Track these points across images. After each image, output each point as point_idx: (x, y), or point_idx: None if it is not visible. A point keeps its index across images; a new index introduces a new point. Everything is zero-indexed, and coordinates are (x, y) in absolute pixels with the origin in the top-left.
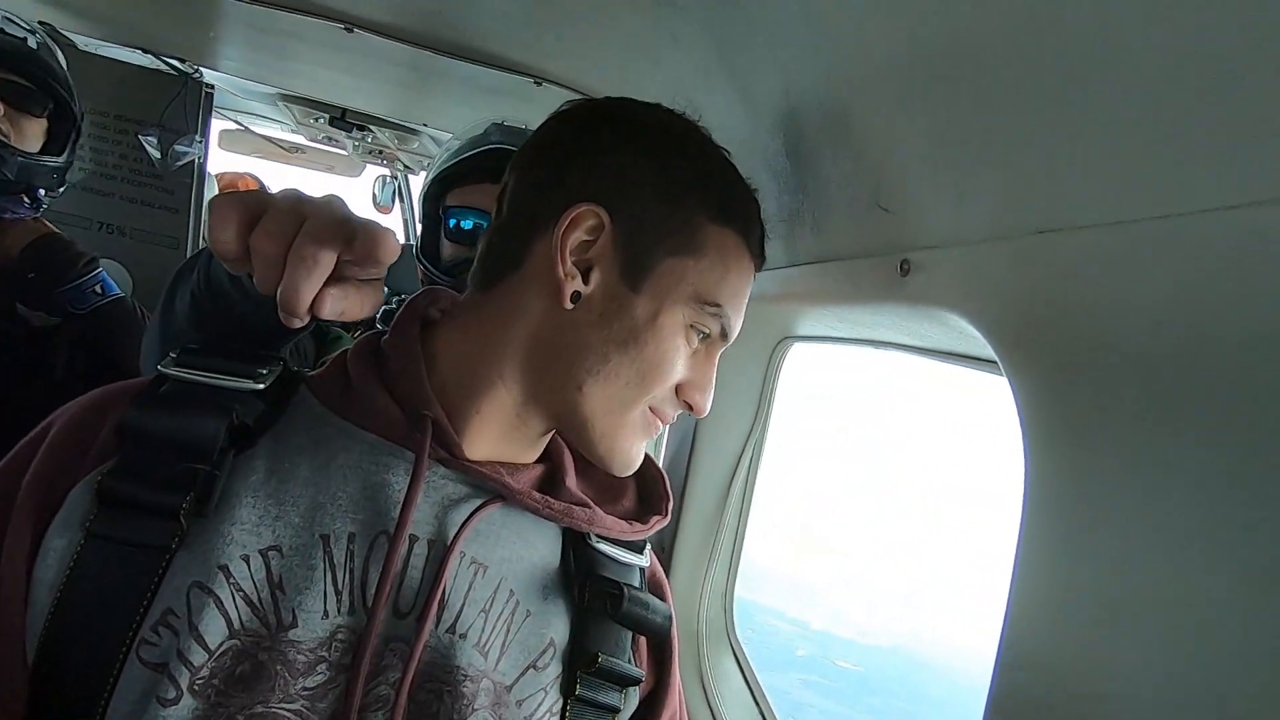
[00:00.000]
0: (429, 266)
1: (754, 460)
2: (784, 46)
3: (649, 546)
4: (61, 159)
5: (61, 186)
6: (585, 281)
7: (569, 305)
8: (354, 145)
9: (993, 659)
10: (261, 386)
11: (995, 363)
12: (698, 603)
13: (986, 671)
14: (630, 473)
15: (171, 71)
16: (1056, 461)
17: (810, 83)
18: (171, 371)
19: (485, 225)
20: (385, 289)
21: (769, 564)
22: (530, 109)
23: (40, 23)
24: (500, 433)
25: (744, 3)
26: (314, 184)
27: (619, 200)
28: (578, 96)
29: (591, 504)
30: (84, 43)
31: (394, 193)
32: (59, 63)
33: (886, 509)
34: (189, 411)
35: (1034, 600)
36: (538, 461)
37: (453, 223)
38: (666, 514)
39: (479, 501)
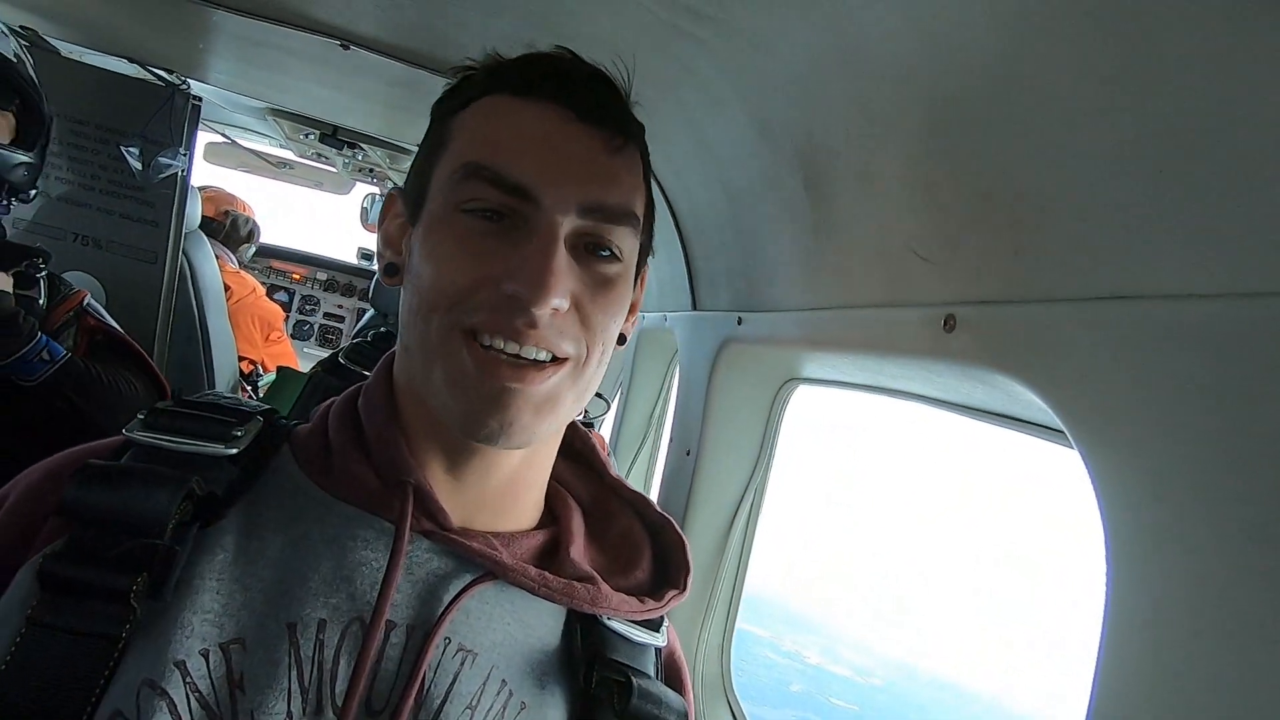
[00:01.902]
0: None
1: (755, 505)
2: (807, 83)
3: (667, 622)
4: (31, 155)
5: (32, 189)
6: (399, 255)
7: (388, 279)
8: (344, 163)
9: (990, 696)
10: (234, 451)
11: (1049, 428)
12: (694, 655)
13: (985, 708)
14: (507, 440)
15: (158, 82)
16: (1141, 536)
17: (836, 120)
18: (137, 436)
19: None
20: (374, 309)
21: (762, 590)
22: None
23: (23, 28)
24: (490, 492)
25: (765, 40)
26: (302, 200)
27: (409, 174)
28: None
29: (597, 578)
30: (67, 49)
31: None
32: (25, 62)
33: (887, 537)
34: (140, 483)
35: (1126, 674)
36: (540, 526)
37: None
38: (685, 588)
39: (468, 579)
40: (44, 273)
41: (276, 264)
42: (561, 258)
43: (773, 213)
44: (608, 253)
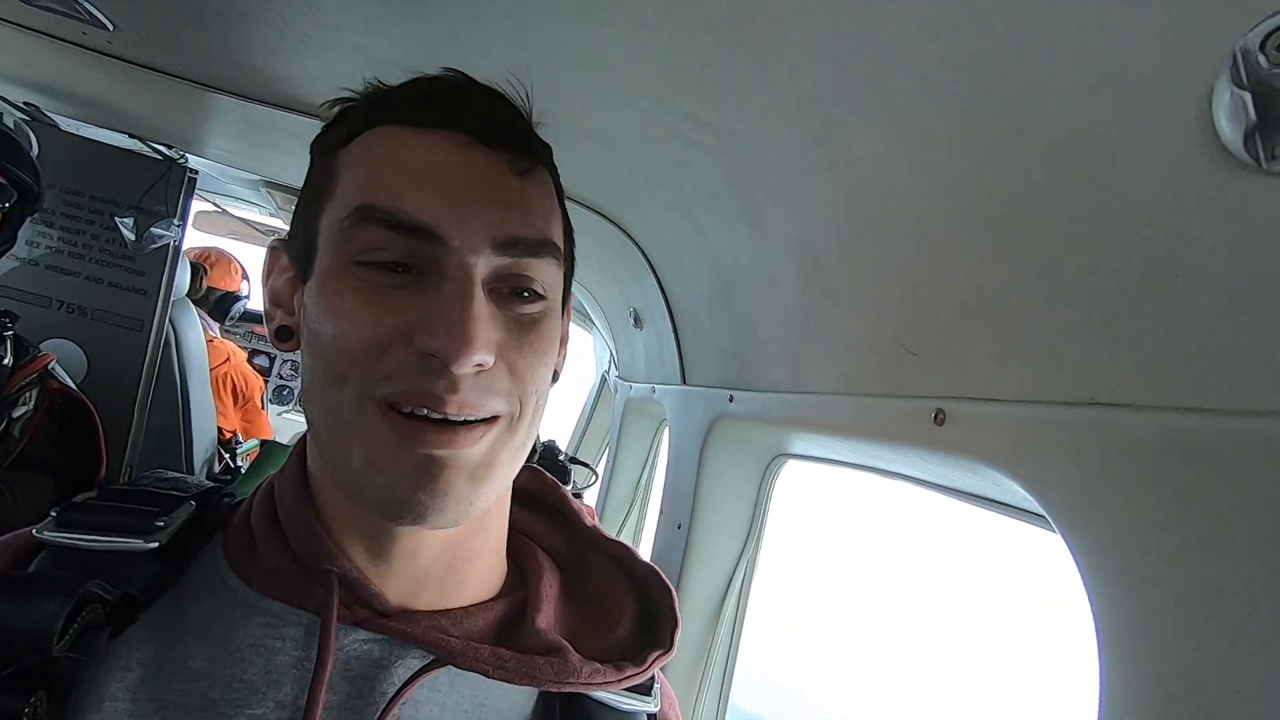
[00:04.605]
0: None
1: (747, 579)
2: (799, 186)
3: (660, 680)
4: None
5: None
6: (291, 315)
7: (281, 344)
8: None
9: None
10: (154, 545)
11: (1035, 513)
12: None
13: None
14: (442, 517)
15: (156, 156)
16: (1130, 618)
17: (826, 220)
18: (46, 536)
19: None
20: None
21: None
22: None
23: (26, 104)
24: (425, 572)
25: (760, 146)
26: None
27: (293, 221)
28: (584, 212)
29: (565, 647)
30: (66, 123)
31: None
32: (30, 146)
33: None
34: (24, 593)
35: None
36: (502, 594)
37: None
38: (671, 646)
39: (415, 666)
40: (10, 332)
41: (259, 329)
42: (481, 304)
43: (764, 298)
44: (529, 293)
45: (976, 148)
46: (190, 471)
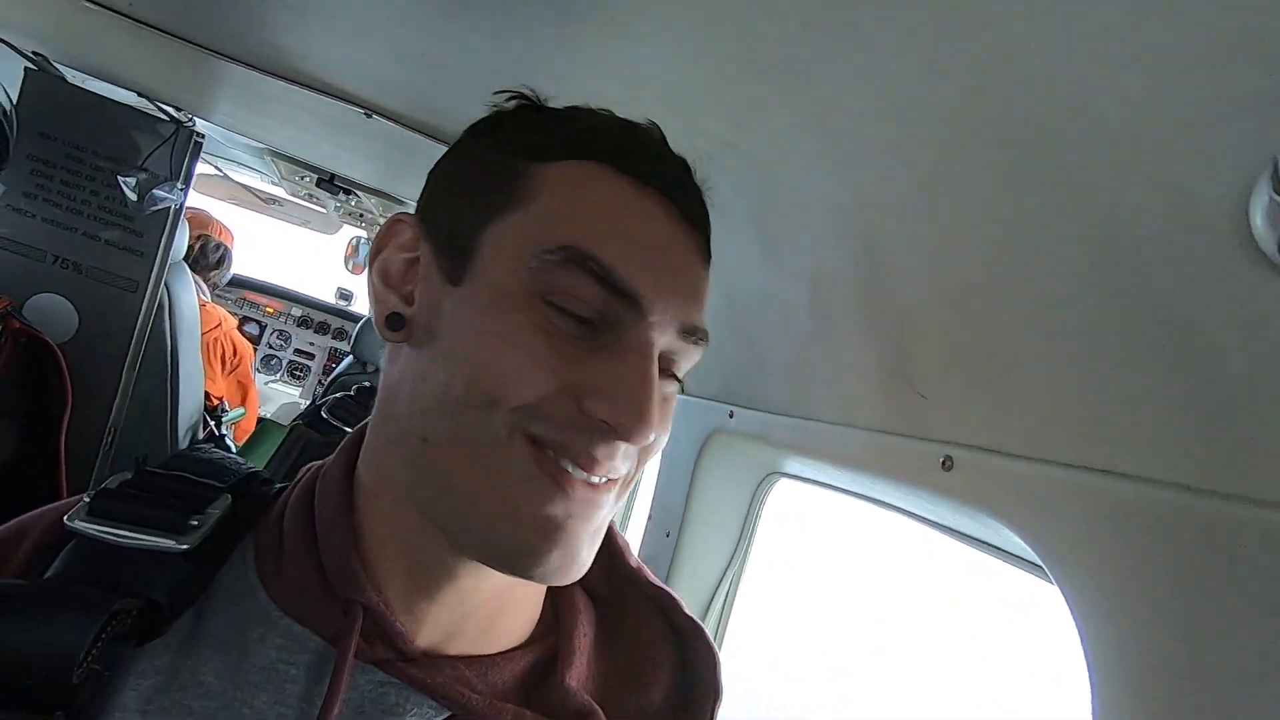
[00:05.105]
0: None
1: (732, 591)
2: (817, 216)
3: None
4: None
5: None
6: (409, 304)
7: (390, 333)
8: (336, 206)
9: None
10: (185, 547)
11: (1036, 564)
12: None
13: None
14: (564, 577)
15: (163, 117)
16: (1125, 680)
17: (844, 251)
18: (78, 525)
19: None
20: (353, 357)
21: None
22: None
23: (34, 53)
24: (470, 613)
25: (780, 172)
26: (282, 234)
27: (434, 201)
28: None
29: (593, 712)
30: (74, 75)
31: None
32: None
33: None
34: (46, 613)
35: None
36: (532, 640)
37: None
38: (713, 719)
39: (431, 717)
40: None
41: (250, 295)
42: (658, 384)
43: (773, 321)
44: (672, 374)
45: (999, 206)
46: (174, 437)
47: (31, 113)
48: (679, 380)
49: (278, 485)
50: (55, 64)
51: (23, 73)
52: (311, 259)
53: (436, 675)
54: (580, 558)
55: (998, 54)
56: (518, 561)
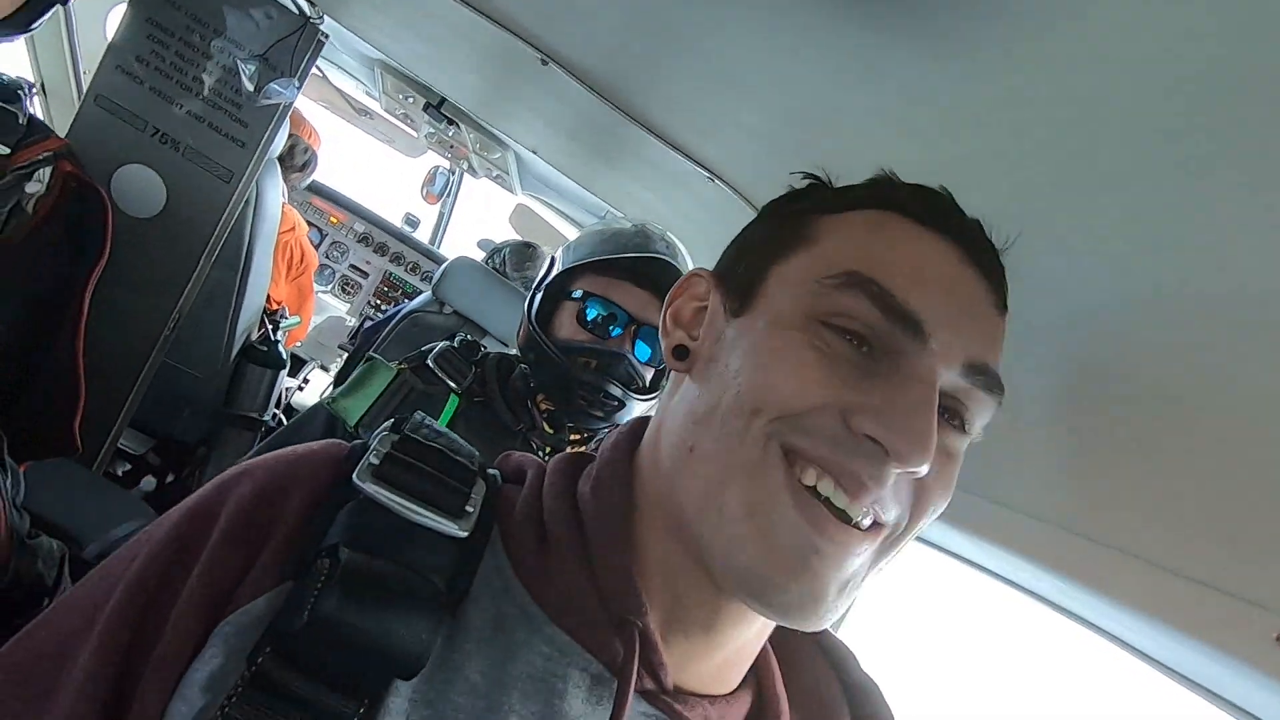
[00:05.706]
0: (539, 334)
1: None
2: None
3: None
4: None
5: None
6: (694, 341)
7: (676, 362)
8: (430, 131)
9: None
10: (464, 535)
11: None
12: None
13: None
14: (803, 615)
15: (292, 9)
16: None
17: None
18: (368, 487)
19: (617, 319)
20: (433, 295)
21: None
22: (688, 198)
23: None
24: (717, 652)
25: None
26: (367, 150)
27: (728, 259)
28: (735, 198)
29: None
30: None
31: (445, 187)
32: None
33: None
34: (395, 605)
35: None
36: (742, 686)
37: (591, 312)
38: None
39: None
40: (33, 97)
41: (317, 201)
42: (935, 413)
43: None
44: (959, 423)
45: None
46: (232, 334)
47: None
48: (968, 434)
49: (491, 471)
50: None
51: None
52: (385, 179)
53: (690, 710)
54: (825, 599)
55: None
56: (755, 586)
